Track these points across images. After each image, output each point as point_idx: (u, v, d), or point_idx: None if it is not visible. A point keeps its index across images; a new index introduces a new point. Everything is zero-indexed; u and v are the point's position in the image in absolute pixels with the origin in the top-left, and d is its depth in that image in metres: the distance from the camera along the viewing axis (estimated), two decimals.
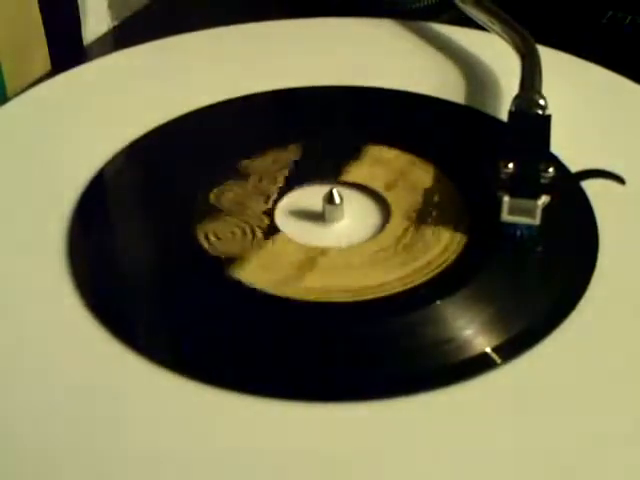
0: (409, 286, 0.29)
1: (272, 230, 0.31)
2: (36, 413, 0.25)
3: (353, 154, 0.34)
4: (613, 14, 0.46)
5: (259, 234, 0.31)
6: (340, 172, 0.34)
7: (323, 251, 0.30)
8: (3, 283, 0.30)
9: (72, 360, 0.27)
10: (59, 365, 0.27)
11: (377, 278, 0.29)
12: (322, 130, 0.36)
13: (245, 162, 0.34)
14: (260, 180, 0.33)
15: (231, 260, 0.30)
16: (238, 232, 0.31)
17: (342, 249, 0.31)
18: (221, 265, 0.30)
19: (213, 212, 0.32)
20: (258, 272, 0.29)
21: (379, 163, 0.34)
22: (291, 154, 0.35)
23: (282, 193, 0.33)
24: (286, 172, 0.34)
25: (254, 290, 0.29)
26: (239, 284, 0.29)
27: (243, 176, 0.34)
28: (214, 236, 0.31)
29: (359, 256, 0.30)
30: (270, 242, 0.31)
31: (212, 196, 0.33)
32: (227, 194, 0.33)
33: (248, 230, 0.31)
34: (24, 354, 0.27)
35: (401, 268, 0.29)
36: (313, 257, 0.30)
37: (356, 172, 0.34)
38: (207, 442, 0.24)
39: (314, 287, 0.29)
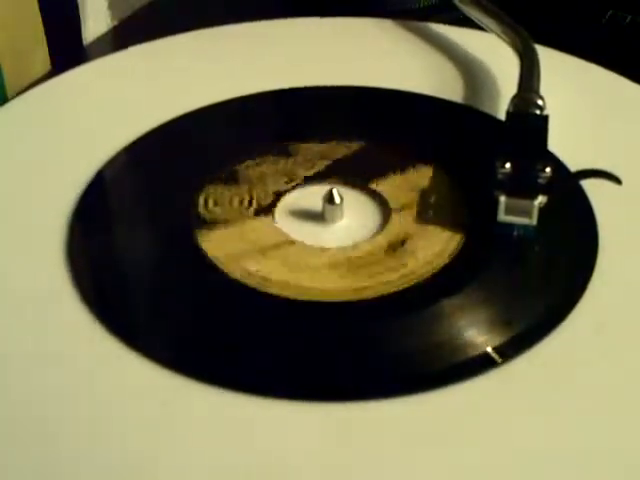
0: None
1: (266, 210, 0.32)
2: (35, 413, 0.25)
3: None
4: (613, 14, 0.46)
5: (252, 208, 0.32)
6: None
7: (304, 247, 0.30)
8: (3, 283, 0.30)
9: (72, 360, 0.27)
10: (59, 365, 0.27)
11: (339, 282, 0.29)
12: (322, 130, 0.36)
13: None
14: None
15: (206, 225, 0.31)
16: (236, 201, 0.32)
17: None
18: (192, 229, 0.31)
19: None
20: (219, 242, 0.30)
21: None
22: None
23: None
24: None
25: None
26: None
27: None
28: (213, 203, 0.32)
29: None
30: (255, 219, 0.32)
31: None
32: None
33: (246, 201, 0.32)
34: (23, 354, 0.27)
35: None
36: (278, 245, 0.30)
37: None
38: (207, 442, 0.25)
39: (255, 272, 0.29)
